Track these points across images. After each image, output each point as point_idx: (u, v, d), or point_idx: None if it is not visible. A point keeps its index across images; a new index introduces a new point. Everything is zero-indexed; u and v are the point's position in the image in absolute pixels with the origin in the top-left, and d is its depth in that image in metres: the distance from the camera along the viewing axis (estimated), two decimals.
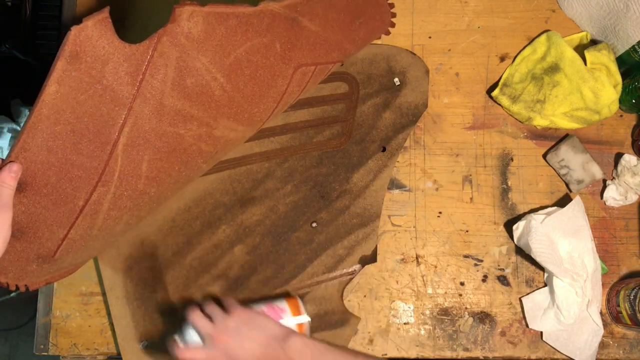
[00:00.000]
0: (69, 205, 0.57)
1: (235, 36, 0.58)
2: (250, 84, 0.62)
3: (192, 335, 0.57)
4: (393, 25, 0.76)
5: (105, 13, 0.49)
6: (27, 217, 0.55)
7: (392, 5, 0.75)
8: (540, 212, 0.71)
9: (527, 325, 0.70)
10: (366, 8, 0.71)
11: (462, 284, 0.72)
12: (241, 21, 0.58)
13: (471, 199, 0.74)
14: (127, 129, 0.56)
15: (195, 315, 0.57)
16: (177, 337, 0.58)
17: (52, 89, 0.49)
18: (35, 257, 0.59)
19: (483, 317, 0.71)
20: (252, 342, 0.54)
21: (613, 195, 0.72)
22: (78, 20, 0.48)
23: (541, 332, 0.70)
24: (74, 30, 0.48)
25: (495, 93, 0.75)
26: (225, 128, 0.64)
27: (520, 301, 0.71)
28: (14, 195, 0.51)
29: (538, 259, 0.67)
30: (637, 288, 0.66)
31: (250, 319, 0.56)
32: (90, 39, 0.49)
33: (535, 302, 0.70)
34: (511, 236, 0.71)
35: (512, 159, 0.75)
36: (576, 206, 0.69)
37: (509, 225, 0.73)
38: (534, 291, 0.71)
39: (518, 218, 0.73)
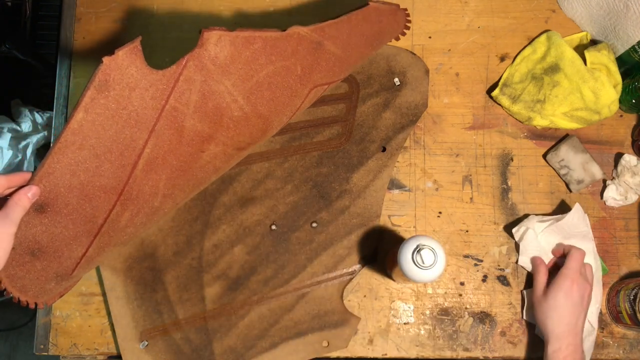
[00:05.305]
0: (88, 225, 0.58)
1: (259, 60, 0.59)
2: (268, 105, 0.63)
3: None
4: (398, 39, 0.76)
5: (136, 42, 0.50)
6: (47, 236, 0.56)
7: (408, 24, 0.75)
8: (541, 219, 0.70)
9: (522, 317, 0.70)
10: (387, 28, 0.72)
11: (462, 284, 0.72)
12: (267, 44, 0.58)
13: (471, 199, 0.74)
14: (148, 150, 0.57)
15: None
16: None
17: (79, 116, 0.51)
18: (54, 275, 0.59)
19: (483, 317, 0.71)
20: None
21: (613, 195, 0.72)
22: (110, 50, 0.50)
23: (535, 326, 0.70)
24: (106, 60, 0.49)
25: (495, 93, 0.75)
26: (239, 145, 0.65)
27: (522, 293, 0.71)
28: (34, 216, 0.53)
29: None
30: (637, 288, 0.66)
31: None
32: (120, 67, 0.50)
33: None
34: (511, 235, 0.72)
35: (512, 159, 0.75)
36: (576, 214, 0.69)
37: (509, 226, 0.73)
38: None
39: (518, 218, 0.73)
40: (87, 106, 0.50)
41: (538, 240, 0.69)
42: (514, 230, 0.71)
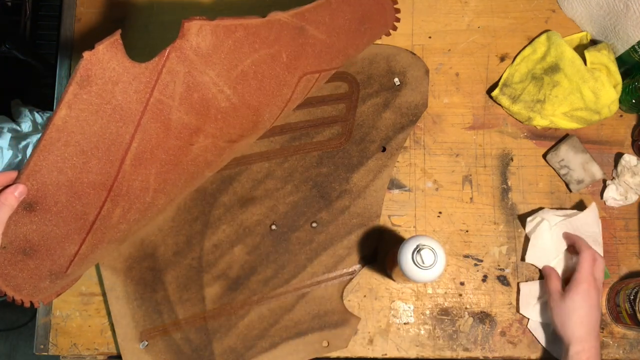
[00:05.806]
0: (79, 222, 0.57)
1: (243, 48, 0.58)
2: (256, 94, 0.62)
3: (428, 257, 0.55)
4: (395, 28, 0.76)
5: (116, 36, 0.50)
6: (38, 235, 0.55)
7: (397, 10, 0.75)
8: (556, 213, 0.71)
9: (517, 310, 0.70)
10: (372, 14, 0.71)
11: (462, 284, 0.72)
12: (249, 32, 0.58)
13: (471, 199, 0.74)
14: (135, 145, 0.56)
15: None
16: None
17: (63, 112, 0.50)
18: (48, 274, 0.59)
19: (483, 317, 0.71)
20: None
21: (613, 195, 0.72)
22: (90, 45, 0.49)
23: (529, 320, 0.70)
24: (86, 55, 0.49)
25: (495, 93, 0.75)
26: (230, 137, 0.64)
27: (518, 286, 0.71)
28: (24, 215, 0.53)
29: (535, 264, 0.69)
30: (637, 288, 0.66)
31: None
32: (102, 61, 0.50)
33: (533, 290, 0.70)
34: (524, 225, 0.72)
35: (512, 159, 0.75)
36: (591, 213, 0.69)
37: (509, 225, 0.73)
38: (534, 280, 0.71)
39: (518, 218, 0.73)
40: (70, 102, 0.50)
41: (550, 233, 0.69)
42: (528, 219, 0.71)
